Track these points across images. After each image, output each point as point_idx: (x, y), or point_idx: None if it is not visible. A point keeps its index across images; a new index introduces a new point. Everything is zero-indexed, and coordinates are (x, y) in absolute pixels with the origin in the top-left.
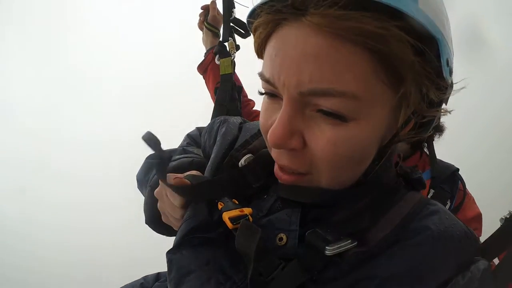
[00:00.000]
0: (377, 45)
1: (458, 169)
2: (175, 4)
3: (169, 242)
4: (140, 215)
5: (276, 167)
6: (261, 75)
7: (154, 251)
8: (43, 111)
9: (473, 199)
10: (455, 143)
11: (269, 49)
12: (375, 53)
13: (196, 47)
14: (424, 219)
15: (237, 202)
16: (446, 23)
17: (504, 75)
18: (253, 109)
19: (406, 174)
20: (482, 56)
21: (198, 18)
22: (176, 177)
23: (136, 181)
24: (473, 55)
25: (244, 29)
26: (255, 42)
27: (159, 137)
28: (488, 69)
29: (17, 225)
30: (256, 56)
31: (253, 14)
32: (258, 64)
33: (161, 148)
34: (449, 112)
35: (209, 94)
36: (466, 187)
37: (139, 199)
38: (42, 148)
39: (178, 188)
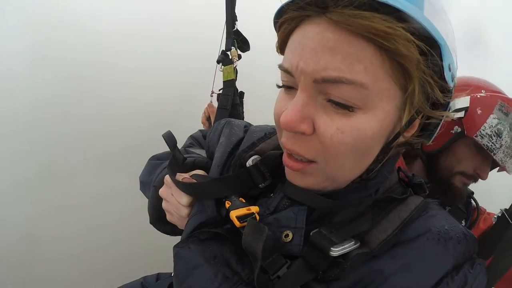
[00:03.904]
0: (385, 42)
1: (473, 192)
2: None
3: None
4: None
5: (284, 155)
6: (280, 66)
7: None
8: (44, 107)
9: (487, 213)
10: None
11: (291, 43)
12: (384, 50)
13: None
14: (425, 221)
15: (244, 201)
16: (449, 35)
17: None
18: None
19: (408, 179)
20: (482, 57)
21: (203, 114)
22: (184, 177)
23: (139, 183)
24: (474, 56)
25: (244, 43)
26: (279, 38)
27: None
28: (489, 70)
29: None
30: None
31: (279, 15)
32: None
33: (176, 147)
34: (453, 118)
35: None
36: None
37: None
38: (41, 145)
39: (187, 186)
